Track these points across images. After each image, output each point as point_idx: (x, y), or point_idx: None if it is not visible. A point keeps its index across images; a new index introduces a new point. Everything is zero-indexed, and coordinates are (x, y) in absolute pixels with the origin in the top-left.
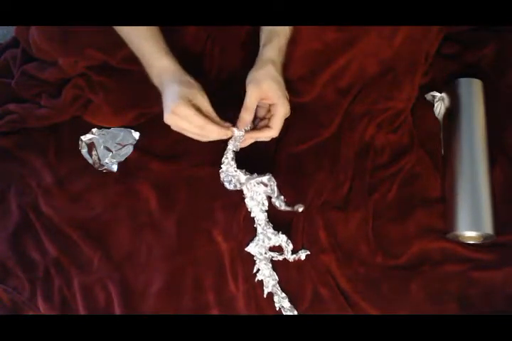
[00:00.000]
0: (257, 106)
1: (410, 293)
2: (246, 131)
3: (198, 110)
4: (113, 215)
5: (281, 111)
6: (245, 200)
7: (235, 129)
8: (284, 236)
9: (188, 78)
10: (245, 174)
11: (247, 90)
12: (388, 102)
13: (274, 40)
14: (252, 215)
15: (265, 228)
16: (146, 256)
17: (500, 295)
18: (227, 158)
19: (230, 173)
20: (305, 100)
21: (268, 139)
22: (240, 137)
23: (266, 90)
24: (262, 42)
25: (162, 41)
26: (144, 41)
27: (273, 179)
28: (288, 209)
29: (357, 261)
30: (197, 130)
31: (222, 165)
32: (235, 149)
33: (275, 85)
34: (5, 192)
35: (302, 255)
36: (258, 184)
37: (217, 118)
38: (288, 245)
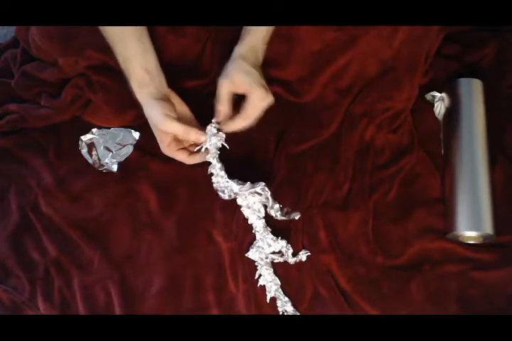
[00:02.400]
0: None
1: (410, 293)
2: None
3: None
4: (113, 215)
5: (253, 98)
6: (241, 209)
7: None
8: (283, 241)
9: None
10: (238, 184)
11: (218, 84)
12: (388, 102)
13: (246, 38)
14: (250, 222)
15: (264, 234)
16: (146, 256)
17: (501, 295)
18: (215, 169)
19: (222, 184)
20: (305, 100)
21: (242, 127)
22: (215, 134)
23: (235, 81)
24: None
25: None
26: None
27: (266, 188)
28: (283, 218)
29: (357, 261)
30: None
31: (212, 178)
32: (215, 150)
33: (245, 76)
34: (5, 192)
35: (303, 256)
36: (252, 194)
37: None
38: (288, 250)
